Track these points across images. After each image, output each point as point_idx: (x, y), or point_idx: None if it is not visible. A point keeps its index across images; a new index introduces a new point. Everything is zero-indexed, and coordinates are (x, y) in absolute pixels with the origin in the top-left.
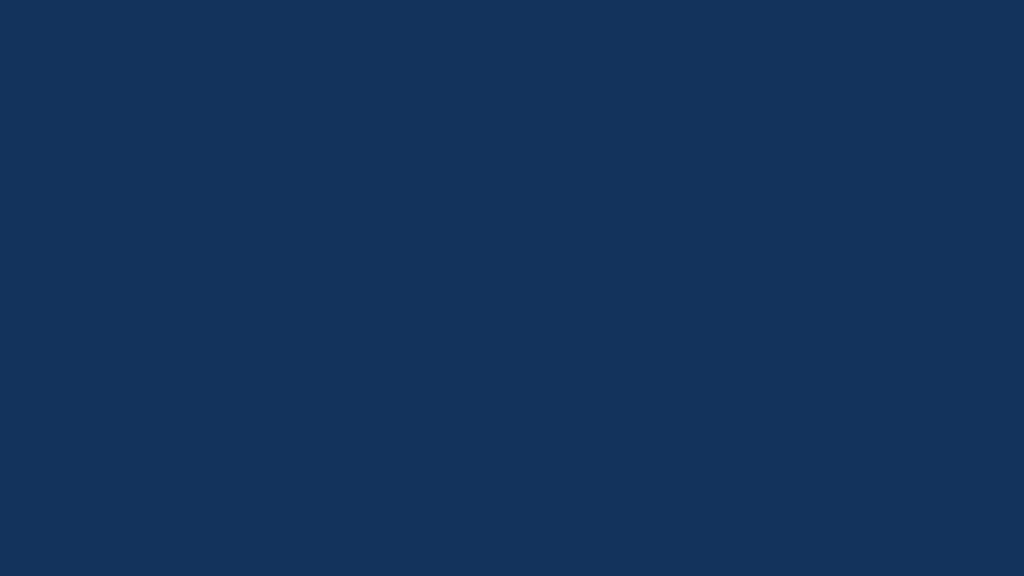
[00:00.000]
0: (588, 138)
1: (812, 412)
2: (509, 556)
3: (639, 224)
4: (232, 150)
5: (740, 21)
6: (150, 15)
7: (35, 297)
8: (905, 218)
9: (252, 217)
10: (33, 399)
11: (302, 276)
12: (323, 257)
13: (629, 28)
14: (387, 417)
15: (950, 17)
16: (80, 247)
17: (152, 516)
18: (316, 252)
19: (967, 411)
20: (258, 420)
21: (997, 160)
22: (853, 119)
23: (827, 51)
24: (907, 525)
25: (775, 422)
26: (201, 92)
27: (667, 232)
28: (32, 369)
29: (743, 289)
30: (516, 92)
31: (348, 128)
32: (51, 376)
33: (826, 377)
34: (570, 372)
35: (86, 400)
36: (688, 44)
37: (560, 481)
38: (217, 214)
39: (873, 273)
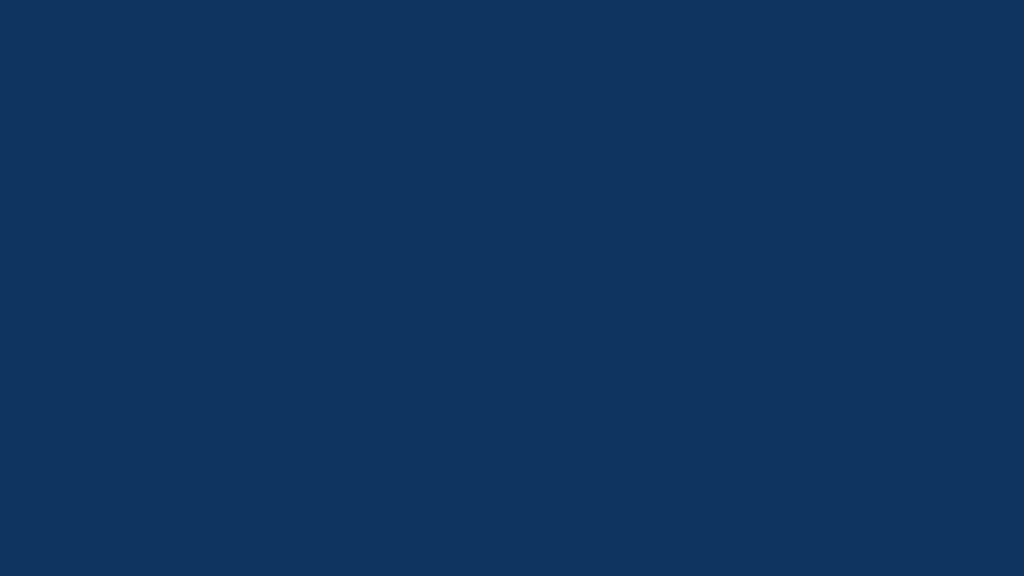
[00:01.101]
0: (588, 138)
1: (812, 412)
2: (509, 556)
3: (639, 224)
4: (232, 150)
5: (740, 21)
6: (150, 15)
7: (35, 297)
8: (905, 218)
9: (252, 217)
10: (33, 399)
11: (302, 276)
12: (323, 257)
13: (629, 28)
14: (387, 417)
15: (950, 17)
16: (80, 247)
17: (152, 516)
18: (316, 252)
19: (967, 411)
20: (258, 420)
21: (997, 160)
22: (853, 119)
23: (827, 51)
24: (907, 525)
25: (775, 422)
26: (201, 92)
27: (667, 232)
28: (32, 369)
29: (743, 289)
30: (516, 92)
31: (348, 128)
32: (51, 376)
33: (826, 377)
34: (570, 372)
35: (86, 400)
36: (688, 44)
37: (560, 481)
38: (217, 214)
39: (873, 273)
